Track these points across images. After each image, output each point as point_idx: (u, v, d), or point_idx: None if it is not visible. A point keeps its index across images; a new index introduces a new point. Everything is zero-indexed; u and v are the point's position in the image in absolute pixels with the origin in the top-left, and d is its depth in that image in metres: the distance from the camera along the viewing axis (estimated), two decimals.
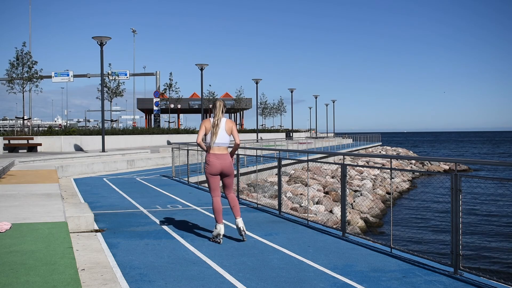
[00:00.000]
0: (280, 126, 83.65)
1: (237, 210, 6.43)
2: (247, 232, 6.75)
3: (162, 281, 4.70)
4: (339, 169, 7.10)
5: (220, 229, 6.34)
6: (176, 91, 46.46)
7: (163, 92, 48.04)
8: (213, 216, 8.37)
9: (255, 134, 44.01)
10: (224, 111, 6.43)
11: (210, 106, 6.57)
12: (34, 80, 30.16)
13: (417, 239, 13.73)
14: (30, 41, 59.44)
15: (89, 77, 51.30)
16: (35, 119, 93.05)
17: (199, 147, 7.06)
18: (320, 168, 25.33)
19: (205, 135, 6.33)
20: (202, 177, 14.16)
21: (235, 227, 6.73)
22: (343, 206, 6.80)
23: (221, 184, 6.59)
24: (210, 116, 6.53)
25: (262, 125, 75.75)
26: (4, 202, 7.69)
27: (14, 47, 36.66)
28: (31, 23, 53.49)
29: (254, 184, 18.10)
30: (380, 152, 48.89)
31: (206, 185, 12.89)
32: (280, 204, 8.75)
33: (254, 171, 18.64)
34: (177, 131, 41.60)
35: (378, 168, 7.53)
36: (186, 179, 14.14)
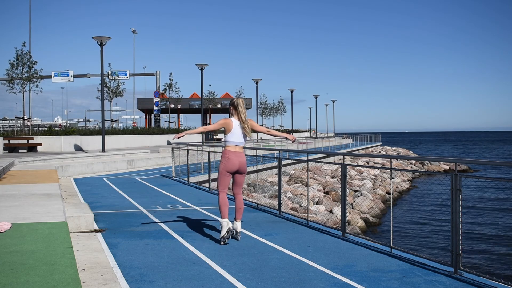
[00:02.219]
0: (280, 126, 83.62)
1: (240, 213, 6.51)
2: (247, 233, 6.92)
3: (162, 281, 4.70)
4: (339, 169, 7.10)
5: (228, 223, 6.23)
6: (176, 91, 46.49)
7: (163, 92, 48.04)
8: (213, 215, 8.40)
9: (255, 134, 43.99)
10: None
11: (229, 105, 6.43)
12: (34, 80, 30.13)
13: (417, 239, 13.73)
14: (30, 41, 59.48)
15: (89, 77, 51.36)
16: (35, 119, 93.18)
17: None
18: (320, 168, 25.32)
19: (225, 134, 6.33)
20: (202, 177, 14.16)
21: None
22: (343, 206, 6.80)
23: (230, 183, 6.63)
24: (230, 116, 6.37)
25: (262, 125, 75.55)
26: (4, 202, 7.69)
27: (14, 47, 36.74)
28: (31, 23, 53.49)
29: (254, 184, 18.10)
30: (380, 152, 48.86)
31: (207, 185, 12.93)
32: (280, 204, 8.75)
33: (254, 171, 18.63)
34: (177, 131, 41.59)
35: (378, 168, 7.52)
36: (186, 179, 14.14)
